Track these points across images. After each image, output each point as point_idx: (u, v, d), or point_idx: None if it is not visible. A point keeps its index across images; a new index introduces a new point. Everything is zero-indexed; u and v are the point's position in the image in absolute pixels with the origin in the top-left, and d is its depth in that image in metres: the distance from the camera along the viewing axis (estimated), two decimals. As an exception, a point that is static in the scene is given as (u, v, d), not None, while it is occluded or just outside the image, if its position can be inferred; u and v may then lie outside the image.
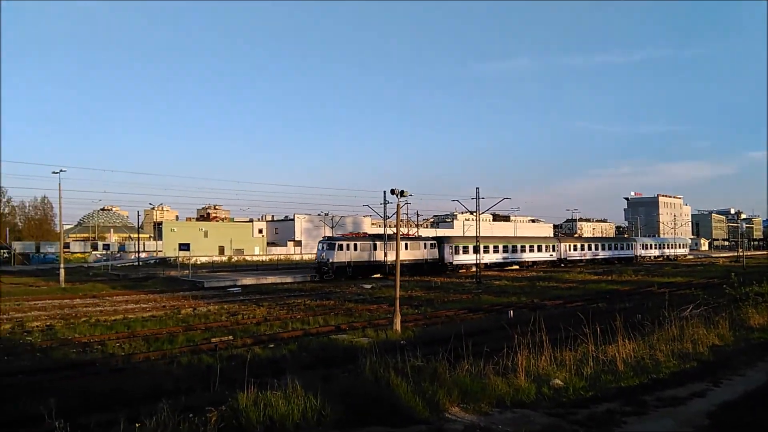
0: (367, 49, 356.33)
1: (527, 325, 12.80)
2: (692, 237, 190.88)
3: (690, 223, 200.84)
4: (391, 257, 50.31)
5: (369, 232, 61.40)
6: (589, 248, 76.70)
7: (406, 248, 52.47)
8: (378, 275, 50.62)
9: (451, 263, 57.37)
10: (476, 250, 53.65)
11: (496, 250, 63.38)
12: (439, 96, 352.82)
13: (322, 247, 49.43)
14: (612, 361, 11.47)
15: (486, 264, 59.27)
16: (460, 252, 58.58)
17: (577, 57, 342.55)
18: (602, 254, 78.00)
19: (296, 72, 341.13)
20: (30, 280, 47.07)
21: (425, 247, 55.78)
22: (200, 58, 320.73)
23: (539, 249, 68.59)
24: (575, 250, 74.03)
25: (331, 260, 47.47)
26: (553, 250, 69.88)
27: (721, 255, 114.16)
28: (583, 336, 12.36)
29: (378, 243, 51.46)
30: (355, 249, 49.65)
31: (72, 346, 18.58)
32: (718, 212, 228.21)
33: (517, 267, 65.14)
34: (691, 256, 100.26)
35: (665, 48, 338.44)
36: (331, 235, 64.85)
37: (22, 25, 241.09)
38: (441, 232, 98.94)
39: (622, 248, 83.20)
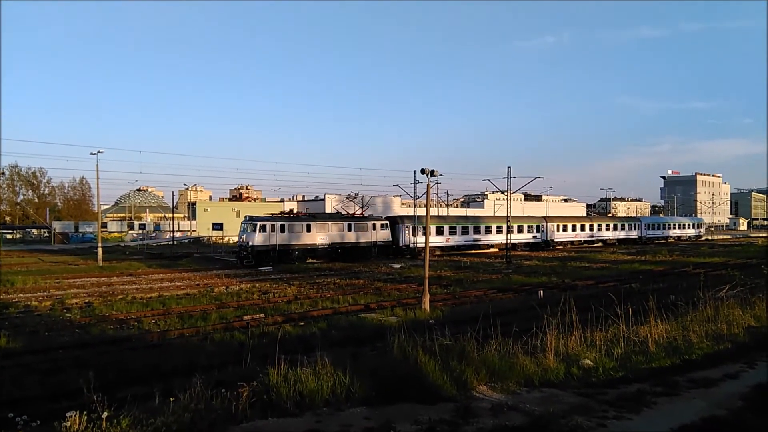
0: (401, 29, 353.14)
1: (557, 305, 12.71)
2: (731, 216, 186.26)
3: (729, 203, 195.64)
4: (323, 239, 45.06)
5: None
6: (582, 229, 70.66)
7: (350, 229, 47.04)
8: (313, 260, 44.69)
9: (407, 246, 51.32)
10: (509, 230, 52.79)
11: (465, 231, 57.63)
12: (473, 75, 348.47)
13: (244, 228, 42.94)
14: (644, 341, 11.35)
15: (450, 246, 55.00)
16: (420, 234, 51.67)
17: (616, 32, 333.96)
18: (601, 235, 72.85)
19: (329, 54, 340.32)
20: (69, 259, 48.39)
21: (375, 229, 49.01)
22: (237, 45, 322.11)
23: (519, 230, 61.74)
24: (565, 230, 67.93)
25: (251, 243, 41.12)
26: (537, 231, 63.97)
27: (761, 234, 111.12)
28: (614, 316, 12.23)
29: (312, 224, 45.09)
30: (282, 230, 42.85)
31: (109, 322, 19.14)
32: (758, 191, 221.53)
33: (490, 249, 59.38)
34: (706, 237, 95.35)
35: (707, 21, 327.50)
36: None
37: (60, 15, 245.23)
38: (471, 211, 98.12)
39: (623, 228, 76.97)
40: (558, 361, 9.82)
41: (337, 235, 46.01)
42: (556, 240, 66.00)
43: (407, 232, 51.37)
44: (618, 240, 75.13)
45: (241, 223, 44.28)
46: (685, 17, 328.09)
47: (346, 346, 14.45)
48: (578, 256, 50.88)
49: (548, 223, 65.43)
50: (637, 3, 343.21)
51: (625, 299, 13.00)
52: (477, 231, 58.62)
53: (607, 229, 74.24)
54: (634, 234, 77.60)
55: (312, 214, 48.43)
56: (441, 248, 54.58)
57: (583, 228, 70.73)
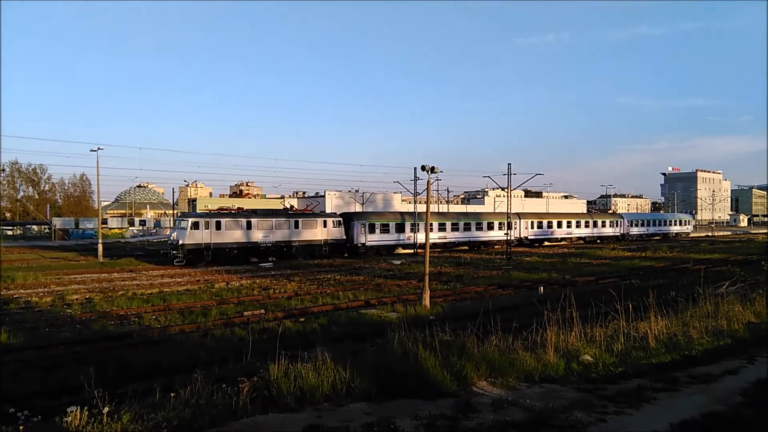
0: (402, 26, 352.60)
1: (557, 301, 12.72)
2: (731, 213, 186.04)
3: (729, 199, 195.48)
4: (266, 237, 42.09)
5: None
6: (559, 226, 66.54)
7: (297, 226, 44.20)
8: (256, 260, 41.83)
9: (363, 244, 48.21)
10: (508, 226, 52.68)
11: (455, 228, 55.72)
12: (474, 71, 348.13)
13: (176, 225, 40.24)
14: (643, 337, 11.36)
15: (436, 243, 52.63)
16: (377, 231, 49.34)
17: (616, 30, 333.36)
18: (579, 232, 68.95)
19: (330, 51, 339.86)
20: (69, 255, 48.40)
21: (326, 226, 45.88)
22: (237, 42, 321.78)
23: (489, 227, 58.89)
24: (540, 227, 63.85)
25: (181, 242, 38.11)
26: (509, 228, 58.65)
27: (761, 231, 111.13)
28: (614, 312, 12.24)
29: (253, 221, 41.88)
30: (218, 228, 39.71)
31: (110, 318, 19.16)
32: (759, 188, 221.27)
33: (466, 247, 57.03)
34: (693, 234, 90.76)
35: (706, 19, 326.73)
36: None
37: (59, 11, 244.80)
38: (471, 208, 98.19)
39: (604, 225, 72.81)
40: (558, 356, 9.83)
41: (282, 232, 43.26)
42: (530, 238, 62.34)
43: (362, 229, 48.32)
44: (599, 237, 71.43)
45: (174, 219, 41.03)
46: (684, 16, 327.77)
47: (347, 341, 14.49)
48: (578, 253, 50.89)
49: (521, 220, 62.09)
50: (636, 2, 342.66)
51: (625, 295, 13.01)
52: (455, 228, 56.00)
53: (587, 225, 70.39)
54: (616, 231, 73.95)
55: (254, 210, 45.66)
56: (454, 243, 54.76)
57: (560, 225, 66.79)
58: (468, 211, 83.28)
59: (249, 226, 41.51)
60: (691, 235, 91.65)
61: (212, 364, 11.47)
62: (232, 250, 40.46)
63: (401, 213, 58.00)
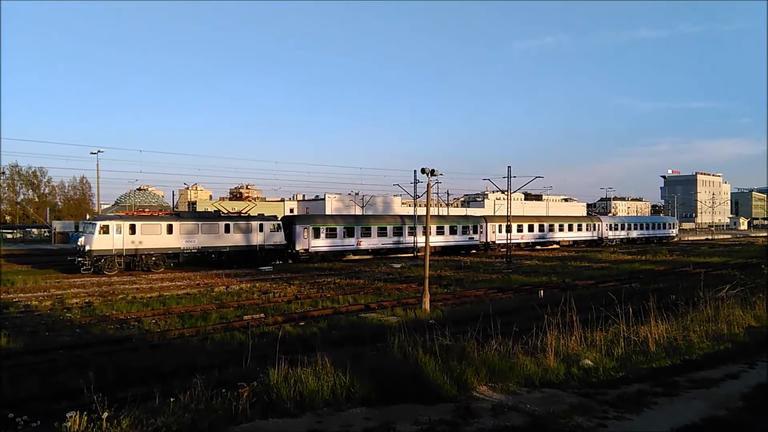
0: (401, 29, 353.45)
1: (557, 305, 12.71)
2: (731, 216, 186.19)
3: (729, 202, 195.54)
4: (190, 242, 38.29)
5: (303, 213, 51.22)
6: (531, 229, 63.08)
7: (228, 230, 40.34)
8: (175, 260, 38.39)
9: (306, 250, 44.90)
10: (509, 230, 52.54)
11: (412, 232, 51.81)
12: (473, 75, 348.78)
13: (85, 229, 36.81)
14: (644, 341, 11.34)
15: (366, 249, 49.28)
16: (323, 236, 45.98)
17: (615, 33, 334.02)
18: (552, 236, 65.78)
19: (330, 54, 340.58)
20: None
21: (262, 230, 41.94)
22: (237, 45, 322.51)
23: (452, 231, 55.38)
24: (508, 231, 58.05)
25: (89, 248, 34.49)
26: (474, 232, 57.45)
27: (761, 234, 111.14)
28: (614, 316, 12.23)
29: (174, 224, 38.09)
30: (132, 232, 36.15)
31: (109, 322, 19.14)
32: (759, 191, 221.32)
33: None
34: (677, 239, 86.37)
35: (706, 22, 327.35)
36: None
37: (59, 13, 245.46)
38: (471, 211, 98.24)
39: (580, 229, 69.43)
40: (558, 361, 9.81)
41: (209, 237, 39.42)
42: (497, 242, 58.34)
43: (305, 234, 44.86)
44: (574, 241, 68.57)
45: (83, 223, 37.95)
46: (684, 18, 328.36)
47: (347, 346, 14.44)
48: (578, 256, 50.88)
49: (488, 224, 58.94)
50: (635, 4, 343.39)
51: (626, 299, 13.00)
52: (397, 232, 51.64)
53: (561, 229, 66.86)
54: (593, 235, 70.66)
55: (178, 213, 42.10)
56: (371, 251, 49.95)
57: (531, 228, 63.19)
58: (468, 214, 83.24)
59: (170, 230, 37.84)
60: (690, 238, 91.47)
61: (212, 368, 11.43)
62: (150, 256, 37.00)
63: (401, 216, 57.71)
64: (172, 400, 7.04)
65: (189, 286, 29.08)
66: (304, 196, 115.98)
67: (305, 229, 44.90)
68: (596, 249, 63.06)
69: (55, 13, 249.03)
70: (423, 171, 25.47)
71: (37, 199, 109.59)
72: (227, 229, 40.26)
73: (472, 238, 57.17)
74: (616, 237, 74.04)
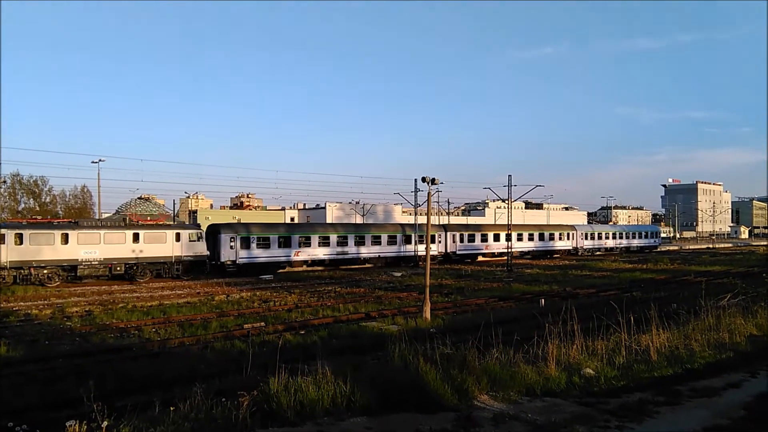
0: (402, 37, 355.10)
1: (558, 314, 12.68)
2: (732, 225, 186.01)
3: (730, 211, 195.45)
4: (91, 254, 34.28)
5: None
6: (496, 239, 58.76)
7: (137, 240, 36.11)
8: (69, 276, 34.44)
9: (233, 261, 40.83)
10: (508, 238, 52.25)
11: (377, 241, 49.05)
12: (473, 84, 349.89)
13: None
14: (645, 350, 11.30)
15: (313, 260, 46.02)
16: (253, 246, 41.91)
17: (614, 43, 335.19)
18: (521, 246, 61.00)
19: (330, 62, 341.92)
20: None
21: (179, 240, 37.59)
22: (237, 53, 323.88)
23: (407, 241, 51.36)
24: (471, 241, 56.86)
25: None
26: (432, 242, 50.61)
27: (762, 243, 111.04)
28: (615, 325, 12.19)
29: (71, 233, 33.93)
30: (19, 242, 32.03)
31: (110, 331, 19.12)
32: (759, 199, 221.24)
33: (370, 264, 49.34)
34: (660, 248, 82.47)
35: (705, 31, 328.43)
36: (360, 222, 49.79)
37: (60, 18, 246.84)
38: (472, 220, 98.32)
39: (552, 238, 65.13)
40: (559, 370, 9.78)
41: (114, 248, 35.31)
42: (458, 253, 55.55)
43: (231, 244, 40.88)
44: (548, 252, 64.76)
45: None
46: (682, 28, 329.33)
47: (347, 354, 14.40)
48: (579, 265, 50.83)
49: (447, 233, 55.06)
50: (634, 15, 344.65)
51: (627, 308, 12.95)
52: (360, 241, 48.55)
53: (531, 239, 62.73)
54: (567, 245, 66.86)
55: (79, 221, 38.29)
56: (324, 262, 46.89)
57: (496, 238, 58.96)
58: (469, 222, 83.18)
59: (65, 239, 33.71)
60: (690, 247, 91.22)
61: (212, 377, 11.40)
62: (41, 268, 32.83)
63: (401, 225, 57.63)
64: (172, 409, 7.01)
65: (189, 294, 29.07)
66: (305, 204, 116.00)
67: (231, 239, 41.10)
68: (597, 257, 62.92)
69: (57, 20, 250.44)
70: (423, 180, 25.48)
71: (38, 208, 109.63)
72: (136, 238, 36.21)
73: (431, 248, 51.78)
74: (593, 246, 70.21)
